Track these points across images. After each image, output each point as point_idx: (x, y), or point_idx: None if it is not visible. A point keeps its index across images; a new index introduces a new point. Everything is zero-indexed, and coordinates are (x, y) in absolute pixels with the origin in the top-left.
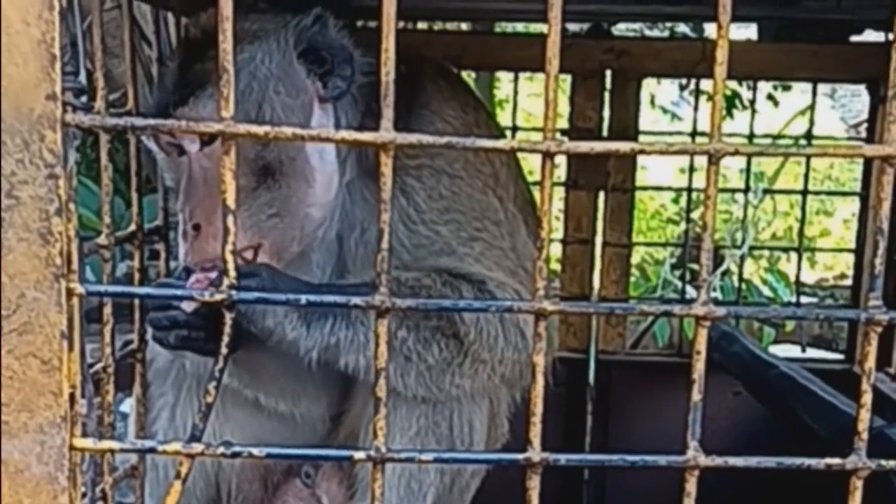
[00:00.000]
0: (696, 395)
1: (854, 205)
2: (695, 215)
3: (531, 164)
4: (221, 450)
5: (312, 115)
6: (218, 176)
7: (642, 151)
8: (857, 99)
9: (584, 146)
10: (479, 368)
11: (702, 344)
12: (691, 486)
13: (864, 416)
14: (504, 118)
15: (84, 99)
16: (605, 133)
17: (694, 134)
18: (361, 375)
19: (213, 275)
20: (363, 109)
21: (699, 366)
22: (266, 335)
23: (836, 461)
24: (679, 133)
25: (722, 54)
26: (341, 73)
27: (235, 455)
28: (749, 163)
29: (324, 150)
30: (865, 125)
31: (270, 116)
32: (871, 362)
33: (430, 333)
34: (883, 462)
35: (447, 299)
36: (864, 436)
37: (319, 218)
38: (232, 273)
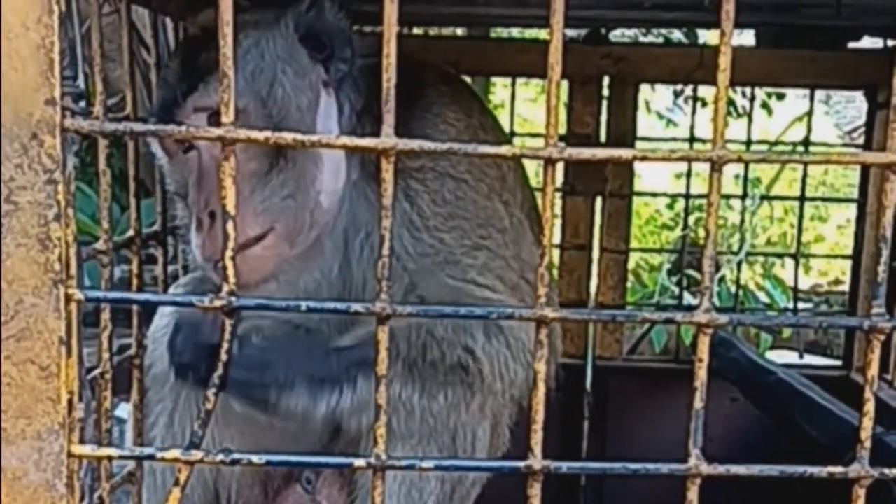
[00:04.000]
0: (699, 403)
1: (849, 210)
2: (691, 221)
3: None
4: (220, 457)
5: (320, 97)
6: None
7: (645, 158)
8: (851, 105)
9: (587, 152)
10: (489, 399)
11: (704, 351)
12: (693, 493)
13: (867, 424)
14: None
15: (82, 104)
16: (602, 139)
17: (691, 140)
18: (364, 433)
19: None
20: (366, 92)
21: (701, 373)
22: (281, 413)
23: (838, 470)
24: (675, 139)
25: (725, 61)
26: (342, 57)
27: (234, 462)
28: (746, 169)
29: (331, 134)
30: (860, 131)
31: (282, 97)
32: (873, 370)
33: (438, 388)
34: (886, 471)
35: (458, 346)
36: (867, 444)
37: (328, 207)
38: (231, 282)
